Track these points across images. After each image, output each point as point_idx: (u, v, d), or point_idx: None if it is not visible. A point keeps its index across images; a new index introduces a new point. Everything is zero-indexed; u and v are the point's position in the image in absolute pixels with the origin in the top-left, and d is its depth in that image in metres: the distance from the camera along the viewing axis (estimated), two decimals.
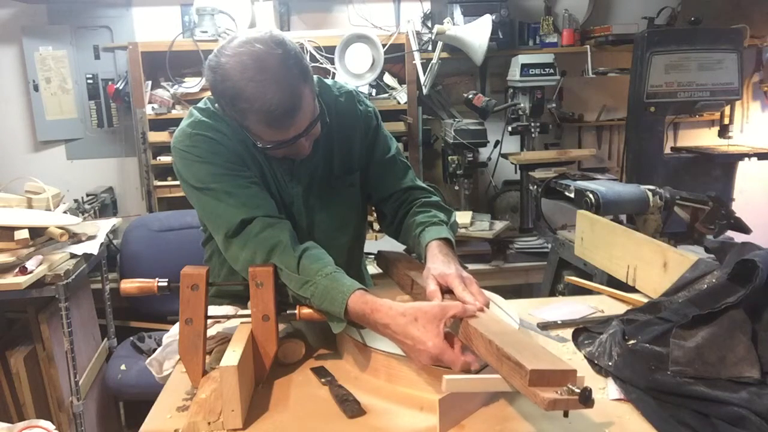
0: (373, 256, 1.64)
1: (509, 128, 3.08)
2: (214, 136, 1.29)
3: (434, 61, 2.98)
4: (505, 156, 3.07)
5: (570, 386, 0.85)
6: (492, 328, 1.01)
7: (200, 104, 1.36)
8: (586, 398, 0.84)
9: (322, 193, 1.40)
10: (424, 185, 1.51)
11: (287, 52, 1.17)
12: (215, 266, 1.48)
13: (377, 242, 2.73)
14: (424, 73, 3.04)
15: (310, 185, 1.38)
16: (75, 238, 2.35)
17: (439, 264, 1.22)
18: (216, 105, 1.31)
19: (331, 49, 2.95)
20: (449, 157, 2.99)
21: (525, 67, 2.90)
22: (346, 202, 1.46)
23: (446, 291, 1.17)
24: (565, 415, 0.90)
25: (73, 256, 2.25)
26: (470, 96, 2.88)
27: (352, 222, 1.49)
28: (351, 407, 1.03)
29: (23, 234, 2.10)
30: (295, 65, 1.17)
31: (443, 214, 1.40)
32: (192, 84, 2.92)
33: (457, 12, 3.02)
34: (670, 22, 3.11)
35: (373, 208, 1.56)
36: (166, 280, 1.16)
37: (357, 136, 1.43)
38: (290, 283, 1.19)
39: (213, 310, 1.28)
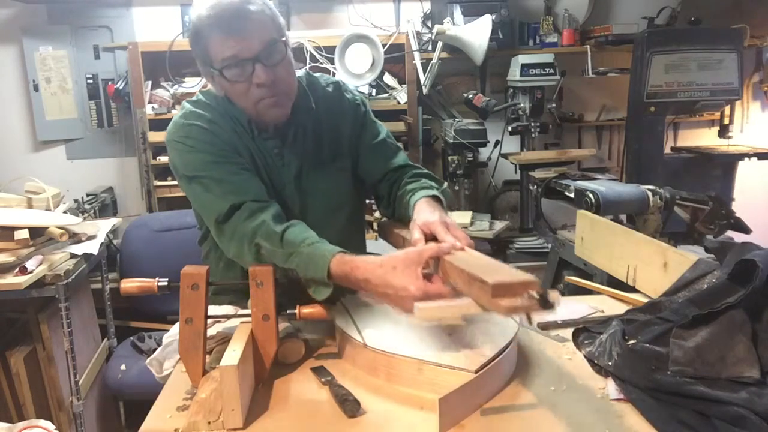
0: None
1: (509, 128, 3.08)
2: (206, 125, 1.32)
3: (434, 61, 2.98)
4: (505, 156, 3.07)
5: (530, 293, 0.88)
6: (467, 260, 1.03)
7: (193, 98, 1.39)
8: (545, 301, 0.86)
9: (313, 177, 1.42)
10: (416, 165, 1.53)
11: None
12: (212, 262, 1.48)
13: (377, 242, 2.73)
14: (424, 73, 3.04)
15: (301, 170, 1.41)
16: (75, 238, 2.34)
17: (425, 214, 1.24)
18: (206, 97, 1.37)
19: (331, 49, 2.95)
20: (449, 157, 3.00)
21: (525, 67, 2.91)
22: (338, 187, 1.47)
23: (431, 238, 1.18)
24: (529, 321, 0.94)
25: (73, 256, 2.25)
26: (470, 96, 2.89)
27: (345, 206, 1.51)
28: (351, 407, 1.03)
29: (23, 234, 2.10)
30: None
31: (434, 183, 1.43)
32: (192, 84, 2.92)
33: (457, 12, 3.02)
34: (670, 22, 3.11)
35: (373, 196, 1.59)
36: (166, 279, 1.15)
37: (346, 122, 1.46)
38: (276, 259, 1.20)
39: (213, 310, 1.28)
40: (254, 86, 1.26)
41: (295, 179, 1.40)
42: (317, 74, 1.49)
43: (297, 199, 1.41)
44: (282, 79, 1.28)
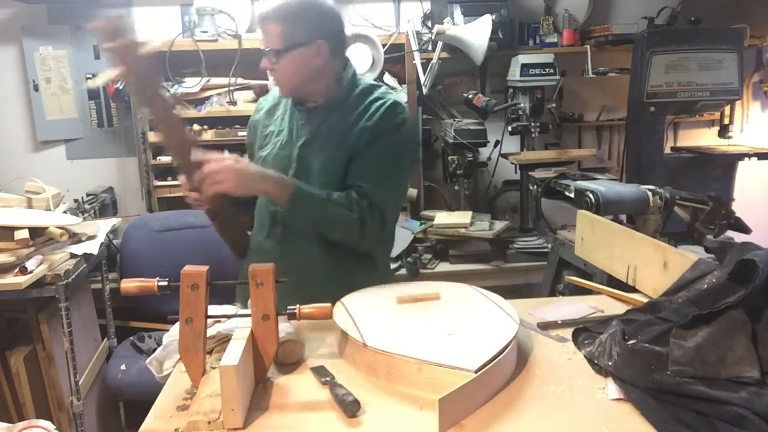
0: None
1: (509, 128, 3.07)
2: (259, 105, 1.80)
3: (434, 61, 2.97)
4: (505, 156, 3.07)
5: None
6: None
7: None
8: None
9: (314, 150, 1.63)
10: (370, 195, 1.55)
11: (324, 4, 1.58)
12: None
13: None
14: (424, 73, 3.04)
15: (310, 142, 1.64)
16: (75, 238, 2.34)
17: None
18: None
19: None
20: (449, 157, 2.99)
21: (525, 67, 2.90)
22: (328, 166, 1.61)
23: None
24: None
25: (73, 256, 2.25)
26: (470, 96, 2.88)
27: (334, 185, 1.58)
28: (351, 407, 1.03)
29: (23, 234, 2.10)
30: (314, 11, 1.55)
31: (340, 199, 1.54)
32: (192, 84, 2.92)
33: (457, 12, 3.01)
34: (670, 22, 3.11)
35: None
36: (166, 279, 1.15)
37: (368, 128, 1.58)
38: None
39: (213, 309, 1.28)
40: None
41: (301, 147, 1.64)
42: (385, 89, 1.70)
43: (295, 164, 1.63)
44: (280, 71, 1.58)
